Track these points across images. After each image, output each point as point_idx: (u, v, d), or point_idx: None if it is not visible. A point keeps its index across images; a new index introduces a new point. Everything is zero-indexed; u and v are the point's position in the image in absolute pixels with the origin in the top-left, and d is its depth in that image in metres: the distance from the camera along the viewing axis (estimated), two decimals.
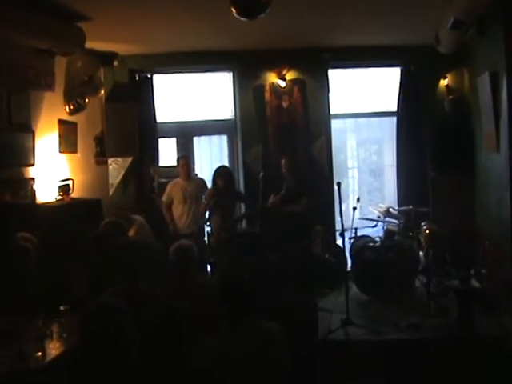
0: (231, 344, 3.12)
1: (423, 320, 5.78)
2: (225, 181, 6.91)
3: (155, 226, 6.86)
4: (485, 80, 6.71)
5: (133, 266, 3.90)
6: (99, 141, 7.68)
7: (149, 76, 7.93)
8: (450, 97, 8.01)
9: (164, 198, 7.23)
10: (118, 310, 2.73)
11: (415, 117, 8.16)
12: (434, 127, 8.10)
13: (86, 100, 7.00)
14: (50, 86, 6.28)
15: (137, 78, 7.87)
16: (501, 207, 6.68)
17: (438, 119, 8.08)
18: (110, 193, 7.77)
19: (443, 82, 8.11)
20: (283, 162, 7.11)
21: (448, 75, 8.09)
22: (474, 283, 6.05)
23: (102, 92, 7.48)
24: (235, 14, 4.82)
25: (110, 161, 7.80)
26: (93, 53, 6.93)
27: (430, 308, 6.04)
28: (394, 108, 8.36)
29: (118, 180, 7.83)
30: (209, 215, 7.10)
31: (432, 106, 8.12)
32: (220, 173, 7.02)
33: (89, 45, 6.26)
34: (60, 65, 6.50)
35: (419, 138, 8.18)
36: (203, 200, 7.19)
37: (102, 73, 7.51)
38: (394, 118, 8.36)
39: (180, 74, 8.28)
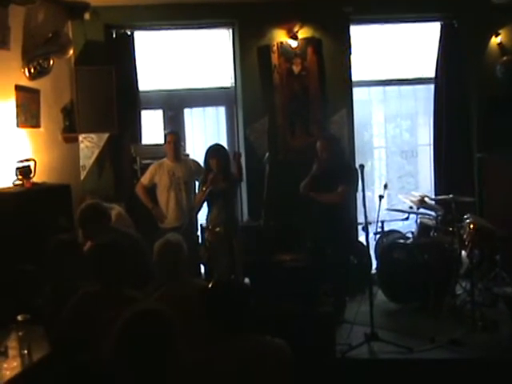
0: (218, 361, 3.07)
1: (466, 335, 5.78)
2: (218, 161, 6.75)
3: (137, 218, 6.83)
4: None
5: (112, 266, 3.94)
6: (68, 113, 7.57)
7: (129, 33, 7.83)
8: (504, 58, 7.93)
9: (144, 180, 7.12)
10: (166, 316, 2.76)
11: (458, 84, 8.10)
12: (482, 97, 8.04)
13: (51, 62, 6.84)
14: (3, 43, 6.11)
15: (114, 36, 7.78)
16: None
17: (487, 87, 8.01)
18: (82, 177, 7.69)
19: (495, 40, 8.03)
20: (320, 144, 6.86)
21: (501, 31, 8.00)
22: None
23: (71, 52, 7.29)
24: None
25: (81, 137, 7.69)
26: (58, 2, 6.82)
27: (475, 320, 6.00)
28: (432, 74, 8.28)
29: (91, 161, 7.73)
30: (208, 205, 6.96)
31: (480, 71, 8.05)
32: (213, 152, 6.87)
33: None
34: (16, 17, 6.33)
35: (463, 111, 8.15)
36: (200, 186, 7.04)
37: (70, 28, 7.40)
38: (432, 87, 8.30)
39: (167, 31, 8.19)
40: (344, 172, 6.64)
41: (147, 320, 2.71)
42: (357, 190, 6.54)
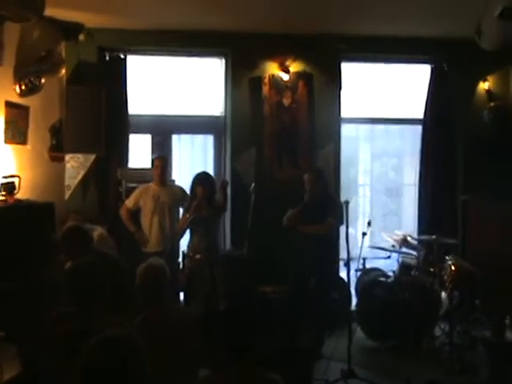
0: None
1: (444, 377, 5.77)
2: (204, 189, 6.74)
3: (120, 241, 6.83)
4: None
5: (88, 288, 3.82)
6: (56, 132, 7.50)
7: (122, 56, 7.81)
8: (491, 104, 8.01)
9: (128, 202, 7.07)
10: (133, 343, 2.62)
11: (445, 127, 8.15)
12: (468, 140, 8.10)
13: (42, 80, 6.80)
14: None
15: (107, 58, 7.74)
16: None
17: (474, 130, 8.08)
18: (66, 196, 7.64)
19: (483, 86, 8.12)
20: (307, 177, 6.87)
21: (489, 77, 8.12)
22: (510, 335, 5.94)
23: (63, 71, 7.28)
24: None
25: (67, 157, 7.65)
26: (54, 22, 6.75)
27: (453, 363, 6.01)
28: (420, 115, 8.35)
29: (76, 181, 7.69)
30: (190, 232, 6.93)
31: (468, 114, 8.13)
32: (200, 180, 6.86)
33: (49, 12, 6.06)
34: (11, 33, 6.28)
35: (449, 152, 8.18)
36: (184, 213, 7.02)
37: (63, 48, 7.32)
38: (419, 127, 8.36)
39: (160, 57, 8.18)
40: (330, 205, 6.64)
41: (111, 348, 2.57)
42: (341, 223, 6.54)
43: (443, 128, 8.11)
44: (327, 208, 6.62)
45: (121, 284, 4.73)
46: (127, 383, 2.48)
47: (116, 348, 2.55)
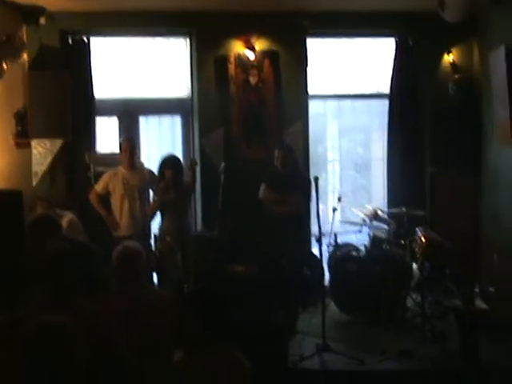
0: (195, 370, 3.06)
1: (416, 347, 5.79)
2: (173, 172, 6.74)
3: (90, 226, 6.79)
4: (499, 56, 6.69)
5: (63, 276, 3.75)
6: (20, 118, 7.44)
7: (85, 39, 7.73)
8: (456, 76, 8.02)
9: (97, 187, 7.04)
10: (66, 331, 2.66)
11: (412, 100, 8.15)
12: (434, 113, 8.11)
13: (4, 66, 6.75)
14: None
15: (70, 41, 7.65)
16: None
17: (439, 103, 8.08)
18: (34, 183, 7.54)
19: (448, 58, 8.12)
20: (277, 152, 6.94)
21: (454, 50, 8.10)
22: (480, 304, 6.03)
23: (25, 56, 7.25)
24: None
25: (33, 143, 7.55)
26: (13, 5, 6.70)
27: (425, 332, 6.05)
28: (386, 89, 8.33)
29: (43, 168, 7.59)
30: (161, 215, 6.91)
31: (433, 88, 8.12)
32: (168, 162, 6.86)
33: None
34: None
35: (416, 126, 8.20)
36: (153, 196, 7.00)
37: (24, 32, 7.25)
38: (386, 102, 8.34)
39: (124, 38, 8.10)
40: (299, 182, 6.69)
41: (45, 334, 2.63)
42: (310, 201, 6.59)
43: (409, 102, 8.12)
44: (296, 184, 6.68)
45: (93, 270, 4.70)
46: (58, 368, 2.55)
47: (46, 334, 2.61)
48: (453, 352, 5.61)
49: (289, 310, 6.65)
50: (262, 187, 6.97)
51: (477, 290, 6.39)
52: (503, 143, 6.95)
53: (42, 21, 7.23)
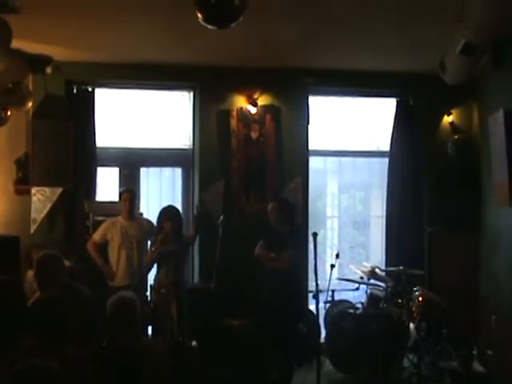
0: None
1: None
2: (172, 224, 6.73)
3: (87, 275, 6.72)
4: (498, 119, 6.75)
5: (52, 322, 3.72)
6: (22, 165, 7.49)
7: (90, 89, 7.80)
8: (455, 137, 8.08)
9: (96, 236, 7.00)
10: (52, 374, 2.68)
11: (411, 159, 8.21)
12: (433, 173, 8.17)
13: (9, 112, 6.79)
14: None
15: (74, 91, 7.73)
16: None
17: (439, 163, 8.15)
18: (32, 230, 7.53)
19: (447, 119, 8.19)
20: (272, 206, 6.97)
21: (453, 111, 8.19)
22: (477, 366, 5.94)
23: (30, 104, 7.30)
24: (201, 21, 4.72)
25: (34, 190, 7.58)
26: (21, 54, 6.72)
27: None
28: (386, 147, 8.40)
29: (42, 215, 7.59)
30: (157, 266, 6.88)
31: (433, 147, 8.19)
32: (167, 214, 6.84)
33: (16, 44, 6.02)
34: None
35: (415, 185, 8.23)
36: (151, 247, 6.97)
37: (30, 81, 7.35)
38: (386, 160, 8.39)
39: (128, 90, 8.19)
40: (294, 237, 6.70)
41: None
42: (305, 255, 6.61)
43: (409, 160, 8.17)
44: (291, 240, 6.69)
45: (88, 319, 4.66)
46: None
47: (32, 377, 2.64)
48: None
49: (284, 366, 6.58)
50: (259, 244, 6.97)
51: (474, 352, 6.31)
52: (500, 204, 6.95)
53: (49, 70, 7.29)
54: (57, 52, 7.06)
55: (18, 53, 6.63)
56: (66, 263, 6.38)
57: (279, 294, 6.63)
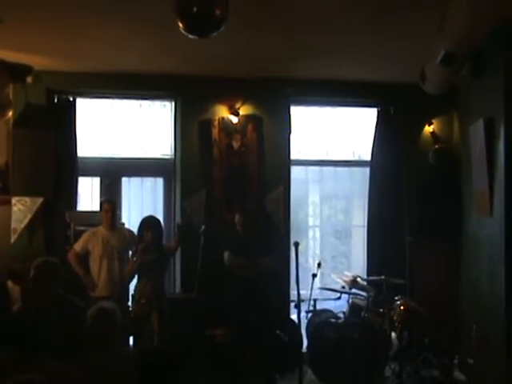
0: None
1: None
2: (152, 234, 6.71)
3: (67, 285, 6.56)
4: (478, 128, 6.79)
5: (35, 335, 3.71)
6: (2, 174, 7.45)
7: (71, 99, 7.78)
8: (436, 146, 8.12)
9: (77, 246, 6.97)
10: None
11: (393, 169, 8.22)
12: (414, 182, 8.18)
13: None
14: None
15: (55, 100, 7.72)
16: (492, 283, 6.67)
17: (420, 172, 8.17)
18: (12, 240, 7.46)
19: (428, 129, 8.23)
20: (237, 217, 7.01)
21: (434, 121, 8.24)
22: (458, 375, 5.96)
23: (10, 114, 7.24)
24: (182, 30, 4.74)
25: (14, 200, 7.50)
26: (1, 64, 6.70)
27: None
28: (368, 157, 8.41)
29: (22, 225, 7.52)
30: (138, 276, 6.84)
31: (414, 157, 8.22)
32: (148, 224, 6.83)
33: None
34: None
35: (396, 194, 8.25)
36: (131, 257, 6.93)
37: (11, 90, 7.29)
38: (367, 169, 8.41)
39: (110, 100, 8.15)
40: (262, 244, 6.73)
41: None
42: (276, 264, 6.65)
43: (390, 170, 8.19)
44: (260, 246, 6.74)
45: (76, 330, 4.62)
46: None
47: None
48: None
49: (266, 376, 6.56)
50: (225, 254, 7.00)
51: (456, 360, 6.32)
52: (481, 214, 6.98)
53: (29, 79, 7.24)
54: (37, 61, 7.03)
55: None
56: None
57: (257, 302, 6.65)
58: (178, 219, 7.90)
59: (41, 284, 5.06)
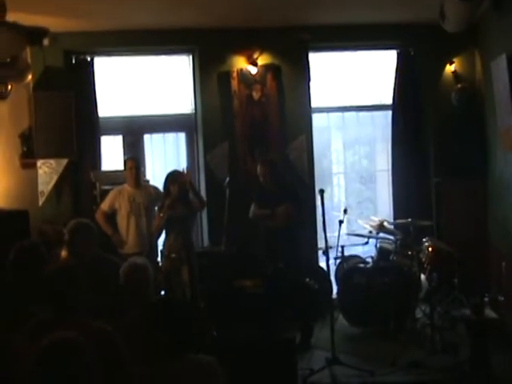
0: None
1: (426, 358, 5.81)
2: (179, 187, 6.72)
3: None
4: (501, 64, 6.68)
5: (69, 291, 3.71)
6: (26, 138, 7.47)
7: (89, 59, 7.77)
8: (458, 86, 8.03)
9: (104, 206, 7.01)
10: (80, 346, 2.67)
11: (415, 111, 8.18)
12: (437, 123, 8.12)
13: (9, 87, 6.78)
14: None
15: (73, 61, 7.70)
16: None
17: (443, 113, 8.09)
18: (40, 203, 7.56)
19: (450, 68, 8.12)
20: (260, 168, 6.98)
21: (455, 59, 8.12)
22: (489, 312, 5.98)
23: (30, 77, 7.25)
24: None
25: (39, 163, 7.58)
26: (16, 28, 6.60)
27: (435, 343, 6.05)
28: (389, 100, 8.34)
29: (49, 187, 7.61)
30: (166, 232, 6.90)
31: (436, 98, 8.14)
32: (173, 178, 6.84)
33: (11, 17, 6.01)
34: None
35: (419, 136, 8.22)
36: (157, 212, 6.98)
37: (28, 54, 7.28)
38: (389, 113, 8.35)
39: (127, 57, 8.14)
40: (286, 194, 6.74)
41: (57, 353, 2.62)
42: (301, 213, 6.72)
43: (412, 112, 8.14)
44: (284, 196, 6.74)
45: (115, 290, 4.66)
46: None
47: (60, 352, 2.61)
48: (463, 362, 5.57)
49: (303, 323, 6.65)
50: (252, 206, 7.01)
51: (486, 299, 6.34)
52: (507, 150, 6.93)
53: (46, 42, 7.21)
54: (52, 23, 6.96)
55: (15, 26, 6.57)
56: None
57: (284, 251, 6.69)
58: (202, 173, 7.93)
59: (77, 245, 5.14)
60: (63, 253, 6.10)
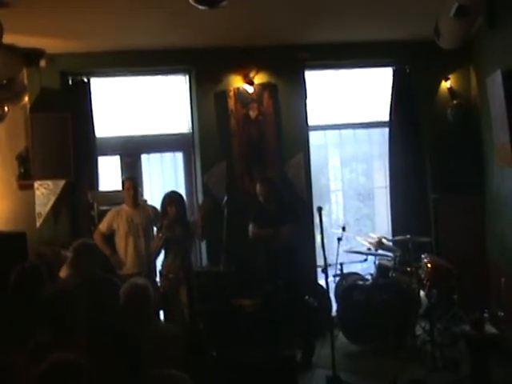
0: None
1: (427, 375, 5.76)
2: (176, 208, 6.71)
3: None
4: (496, 80, 6.71)
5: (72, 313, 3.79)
6: (23, 160, 7.50)
7: (85, 80, 7.79)
8: (454, 102, 8.06)
9: (102, 226, 6.99)
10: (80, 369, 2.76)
11: (412, 127, 8.20)
12: (434, 139, 8.14)
13: (6, 109, 6.79)
14: None
15: (70, 82, 7.72)
16: None
17: (439, 129, 8.12)
18: (38, 224, 7.55)
19: (445, 85, 8.16)
20: (259, 187, 6.95)
21: (451, 76, 8.16)
22: (490, 328, 5.96)
23: (26, 99, 7.30)
24: (192, 2, 4.73)
25: (36, 184, 7.59)
26: (13, 50, 6.70)
27: (436, 360, 6.00)
28: (386, 117, 8.36)
29: (47, 208, 7.61)
30: (165, 252, 6.89)
31: (432, 114, 8.16)
32: (170, 198, 6.83)
33: (7, 39, 6.01)
34: None
35: (417, 152, 8.23)
36: (157, 233, 6.97)
37: (25, 75, 7.32)
38: (386, 130, 8.37)
39: (124, 78, 8.16)
40: (286, 213, 6.72)
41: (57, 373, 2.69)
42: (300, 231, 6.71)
43: (409, 129, 8.16)
44: (283, 215, 6.71)
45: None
46: None
47: (59, 375, 2.69)
48: (464, 378, 5.54)
49: (305, 343, 6.63)
50: (250, 226, 6.97)
51: (486, 314, 6.32)
52: (504, 165, 6.95)
53: (42, 63, 7.29)
54: (49, 44, 7.04)
55: (11, 48, 6.62)
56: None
57: (280, 268, 6.68)
58: (200, 193, 7.93)
59: (81, 266, 5.14)
60: (62, 274, 6.08)
